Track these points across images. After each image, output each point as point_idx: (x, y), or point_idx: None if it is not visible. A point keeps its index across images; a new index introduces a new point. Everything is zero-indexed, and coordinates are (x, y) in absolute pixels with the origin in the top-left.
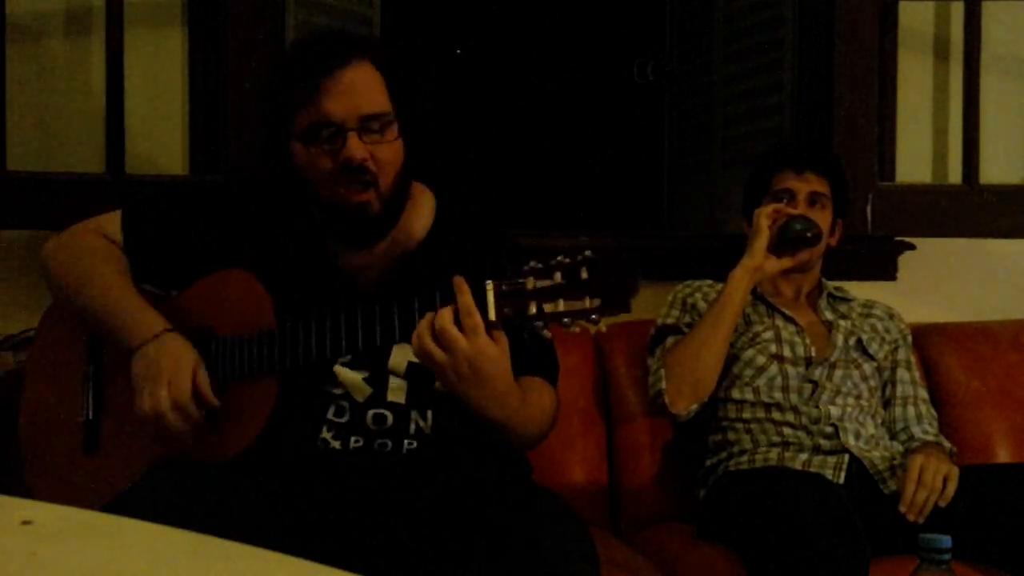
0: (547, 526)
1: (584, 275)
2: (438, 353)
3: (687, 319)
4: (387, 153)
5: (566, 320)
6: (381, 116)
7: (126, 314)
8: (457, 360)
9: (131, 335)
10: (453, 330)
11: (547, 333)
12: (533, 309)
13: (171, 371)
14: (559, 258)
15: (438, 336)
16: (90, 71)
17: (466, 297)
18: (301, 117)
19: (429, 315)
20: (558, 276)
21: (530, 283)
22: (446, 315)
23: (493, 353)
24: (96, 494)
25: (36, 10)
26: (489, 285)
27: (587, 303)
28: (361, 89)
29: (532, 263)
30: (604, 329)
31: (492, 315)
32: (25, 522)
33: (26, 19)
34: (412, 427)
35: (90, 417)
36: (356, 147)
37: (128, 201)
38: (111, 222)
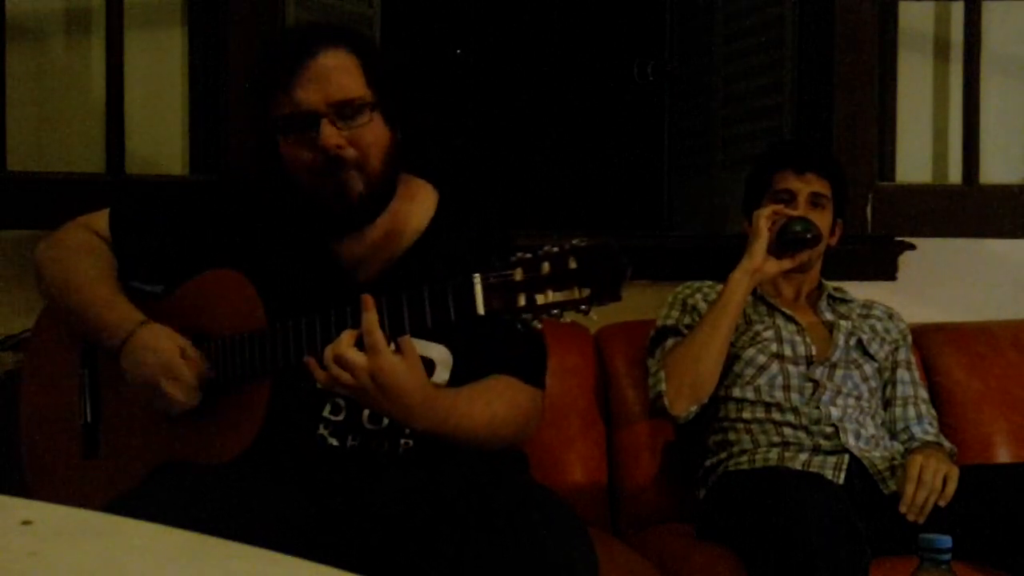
0: (547, 526)
1: (572, 264)
2: (343, 375)
3: (687, 320)
4: (366, 135)
5: (555, 311)
6: (354, 100)
7: (100, 312)
8: (360, 379)
9: (108, 334)
10: (349, 352)
11: (538, 324)
12: (522, 301)
13: (161, 364)
14: (546, 248)
15: (339, 360)
16: (90, 71)
17: (370, 315)
18: (278, 109)
19: (335, 342)
20: (546, 266)
21: (518, 275)
22: (346, 339)
23: (398, 368)
24: (96, 498)
25: (36, 10)
26: (477, 278)
27: (576, 293)
28: (332, 75)
29: (520, 254)
30: (595, 318)
31: (480, 308)
32: (25, 522)
33: (26, 19)
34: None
35: (88, 421)
36: (329, 134)
37: (117, 200)
38: (100, 219)
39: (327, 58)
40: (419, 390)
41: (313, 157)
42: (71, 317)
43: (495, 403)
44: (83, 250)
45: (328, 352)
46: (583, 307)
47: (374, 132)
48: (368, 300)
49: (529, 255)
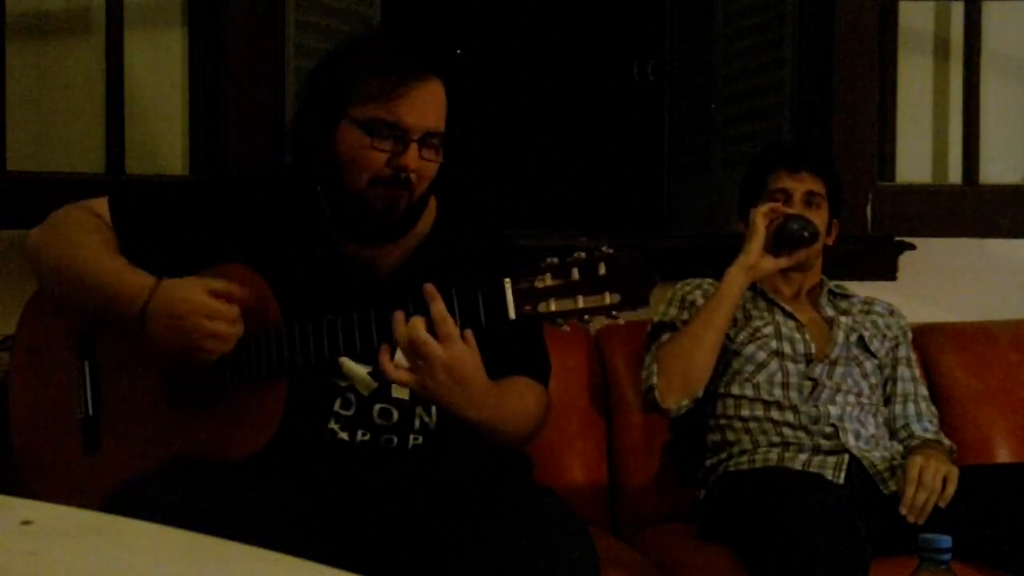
0: (547, 526)
1: (602, 271)
2: (417, 364)
3: (684, 316)
4: (430, 170)
5: (586, 316)
6: (440, 136)
7: (112, 283)
8: (435, 369)
9: (124, 304)
10: (430, 340)
11: (566, 328)
12: (552, 306)
13: (195, 309)
14: (576, 255)
15: (415, 347)
16: (90, 71)
17: (438, 305)
18: (370, 107)
19: (404, 329)
20: (575, 273)
21: (548, 280)
22: (420, 325)
23: (468, 358)
24: (98, 494)
25: (36, 10)
26: (508, 283)
27: (607, 299)
28: (434, 106)
29: (549, 260)
30: (623, 322)
31: (512, 313)
32: (25, 522)
33: (26, 19)
34: (417, 423)
35: (90, 414)
36: (414, 158)
37: (116, 190)
38: (99, 204)
39: (433, 87)
40: (481, 381)
41: (383, 167)
42: (78, 295)
43: (526, 396)
44: (86, 228)
45: (404, 339)
46: (613, 312)
47: (436, 168)
48: (432, 289)
49: (557, 261)
